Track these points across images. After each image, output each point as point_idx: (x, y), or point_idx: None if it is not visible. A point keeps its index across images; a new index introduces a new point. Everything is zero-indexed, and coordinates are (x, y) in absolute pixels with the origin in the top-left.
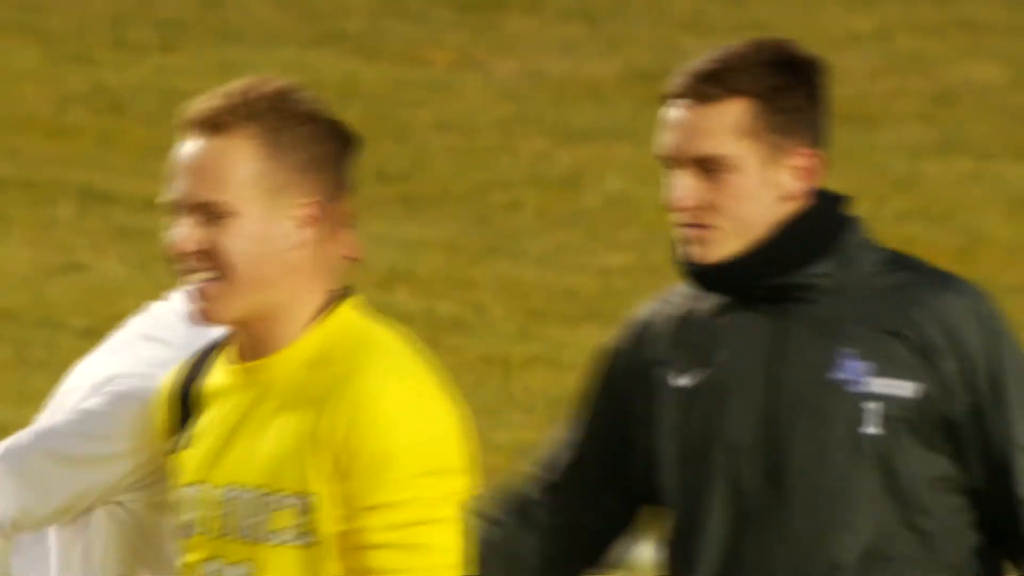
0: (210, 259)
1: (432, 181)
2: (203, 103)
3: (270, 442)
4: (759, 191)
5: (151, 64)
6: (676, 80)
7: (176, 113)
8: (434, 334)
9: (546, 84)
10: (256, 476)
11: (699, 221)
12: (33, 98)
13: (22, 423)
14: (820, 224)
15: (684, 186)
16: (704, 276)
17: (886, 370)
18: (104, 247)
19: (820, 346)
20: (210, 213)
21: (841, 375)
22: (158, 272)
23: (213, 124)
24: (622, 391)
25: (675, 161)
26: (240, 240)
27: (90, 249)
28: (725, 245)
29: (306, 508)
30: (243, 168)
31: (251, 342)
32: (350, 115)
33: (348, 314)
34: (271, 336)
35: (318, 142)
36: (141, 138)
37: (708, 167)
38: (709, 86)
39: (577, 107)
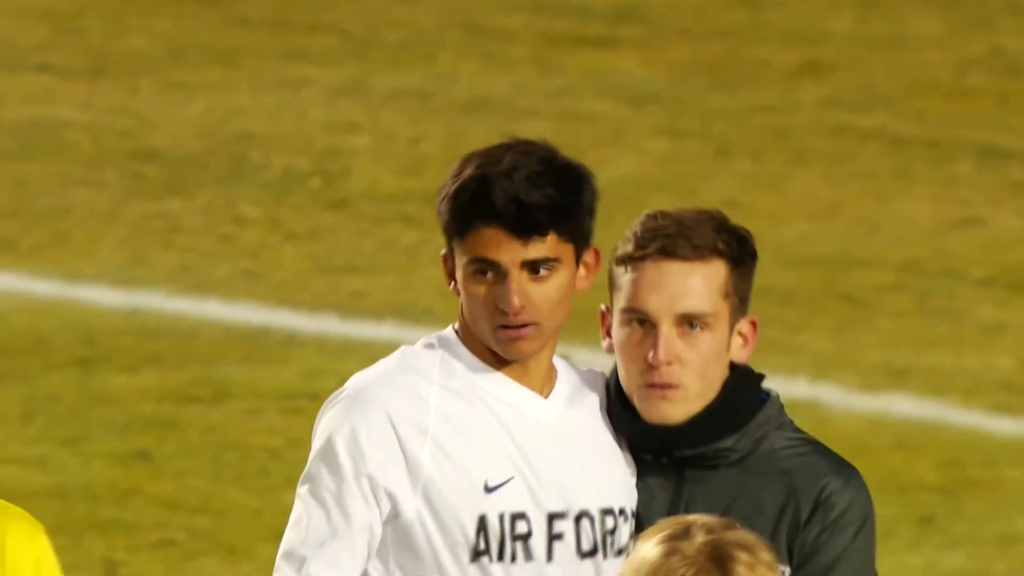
0: None
1: None
2: None
3: None
4: (721, 353)
5: None
6: (652, 240)
7: None
8: None
9: None
10: None
11: (667, 380)
12: (936, 63)
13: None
14: (743, 400)
15: (667, 343)
16: (639, 438)
17: None
18: (1001, 201)
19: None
20: None
21: None
22: None
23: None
24: None
25: (656, 318)
26: None
27: (987, 203)
28: (686, 405)
29: None
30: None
31: None
32: None
33: None
34: None
35: None
36: None
37: (690, 323)
38: (694, 243)
39: None
